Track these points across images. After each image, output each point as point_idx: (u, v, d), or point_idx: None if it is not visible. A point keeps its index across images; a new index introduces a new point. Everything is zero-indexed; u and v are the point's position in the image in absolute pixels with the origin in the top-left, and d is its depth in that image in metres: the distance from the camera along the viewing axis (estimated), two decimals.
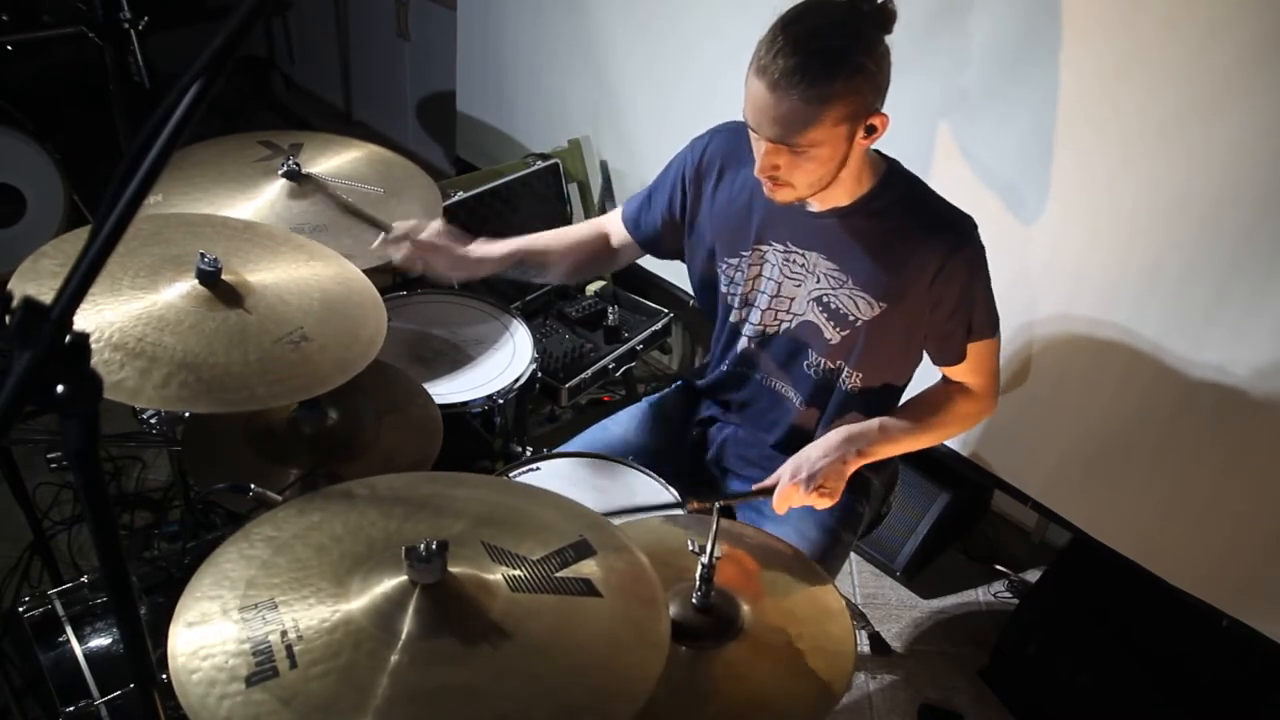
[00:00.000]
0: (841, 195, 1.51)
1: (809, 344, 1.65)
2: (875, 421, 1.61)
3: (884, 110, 1.40)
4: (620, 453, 1.78)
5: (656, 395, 1.95)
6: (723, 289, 1.70)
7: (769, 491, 1.56)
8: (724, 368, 1.78)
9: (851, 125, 1.38)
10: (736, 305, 1.70)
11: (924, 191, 1.54)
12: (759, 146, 1.43)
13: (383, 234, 1.70)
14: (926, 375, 1.70)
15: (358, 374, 1.39)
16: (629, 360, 2.61)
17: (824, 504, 1.56)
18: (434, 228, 1.67)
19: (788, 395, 1.73)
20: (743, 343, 1.72)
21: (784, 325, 1.66)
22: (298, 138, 1.95)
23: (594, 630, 1.08)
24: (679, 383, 1.95)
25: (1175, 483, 1.97)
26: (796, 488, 1.53)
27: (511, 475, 1.65)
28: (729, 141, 1.63)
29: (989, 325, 1.57)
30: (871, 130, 1.40)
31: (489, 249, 1.71)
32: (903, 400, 1.70)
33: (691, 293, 1.82)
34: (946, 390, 1.66)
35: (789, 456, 1.59)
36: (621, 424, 1.88)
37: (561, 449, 1.78)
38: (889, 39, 1.37)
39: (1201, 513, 1.95)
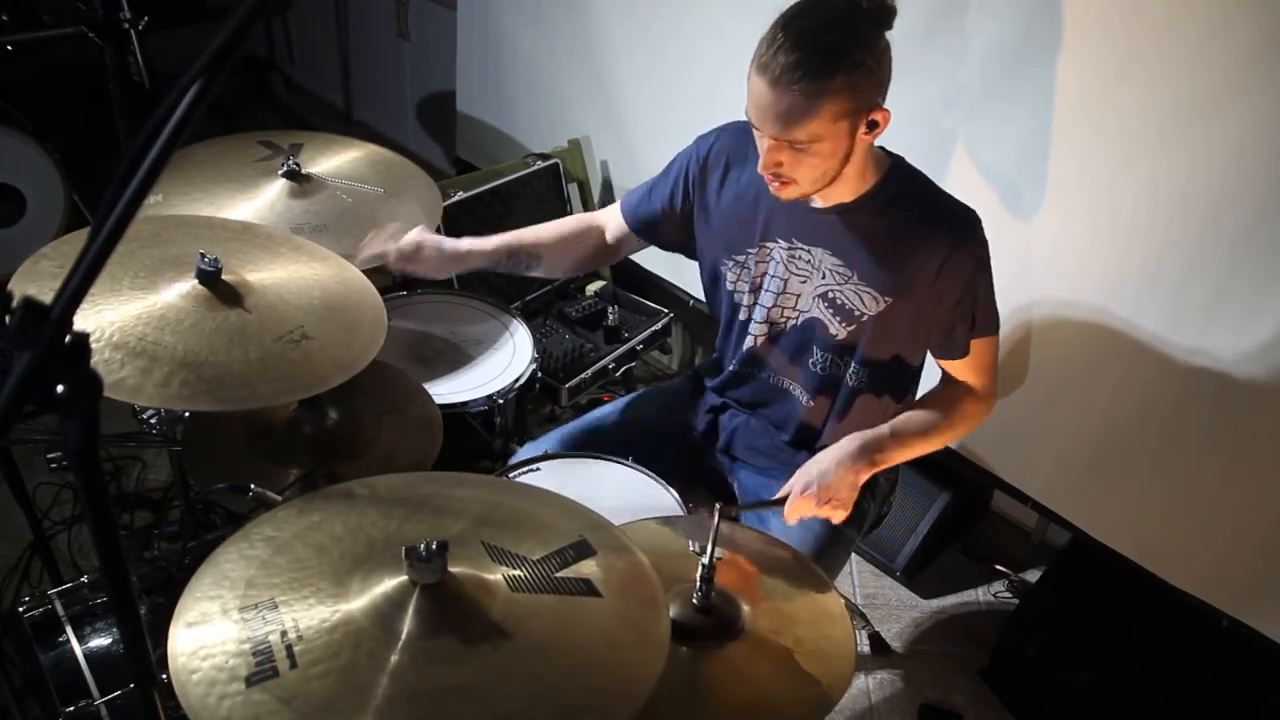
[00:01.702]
0: (845, 191, 1.52)
1: (815, 340, 1.65)
2: (886, 427, 1.60)
3: (886, 107, 1.41)
4: (629, 433, 1.79)
5: (668, 383, 1.95)
6: (729, 286, 1.71)
7: (780, 502, 1.55)
8: (732, 366, 1.79)
9: (853, 121, 1.38)
10: (744, 303, 1.70)
11: (928, 187, 1.55)
12: (762, 143, 1.44)
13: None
14: (932, 373, 1.70)
15: (358, 374, 1.39)
16: (629, 360, 2.61)
17: (838, 517, 1.55)
18: (409, 238, 1.65)
19: (795, 392, 1.73)
20: (749, 340, 1.72)
21: (790, 322, 1.66)
22: (298, 138, 1.95)
23: (594, 630, 1.08)
24: (690, 374, 1.95)
25: (1175, 483, 1.97)
26: (809, 500, 1.52)
27: (512, 475, 1.66)
28: (736, 139, 1.64)
29: (991, 322, 1.58)
30: (873, 126, 1.40)
31: (477, 242, 1.70)
32: (907, 403, 1.70)
33: (692, 293, 1.83)
34: (951, 392, 1.66)
35: (799, 450, 1.59)
36: (632, 403, 1.90)
37: (565, 433, 1.79)
38: (890, 36, 1.38)
39: (1201, 513, 1.95)
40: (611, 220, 1.82)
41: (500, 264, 1.74)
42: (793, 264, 1.62)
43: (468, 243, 1.69)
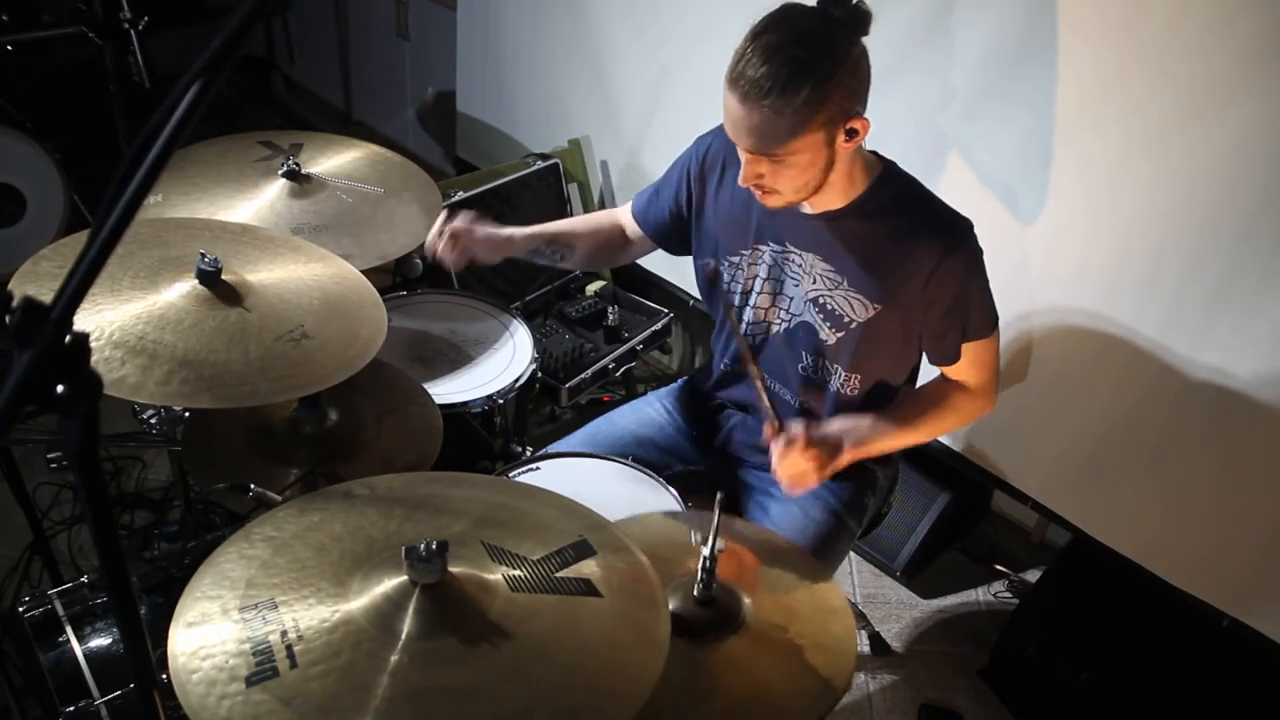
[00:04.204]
0: (835, 197, 1.51)
1: (805, 345, 1.65)
2: (868, 417, 1.61)
3: (874, 109, 1.40)
4: (626, 446, 1.78)
5: (664, 389, 1.95)
6: (723, 286, 1.71)
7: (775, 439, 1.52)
8: (723, 366, 1.78)
9: (829, 131, 1.37)
10: (736, 304, 1.70)
11: (920, 193, 1.54)
12: (742, 155, 1.44)
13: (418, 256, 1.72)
14: (926, 376, 1.70)
15: (357, 374, 1.39)
16: (629, 360, 2.61)
17: (813, 478, 1.51)
18: (459, 222, 1.70)
19: (784, 396, 1.73)
20: (742, 342, 1.72)
21: (781, 326, 1.66)
22: (298, 138, 1.95)
23: (594, 630, 1.08)
24: (685, 379, 1.95)
25: (1175, 482, 1.97)
26: (797, 440, 1.48)
27: (511, 475, 1.66)
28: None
29: (986, 325, 1.56)
30: (852, 134, 1.39)
31: (519, 230, 1.74)
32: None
33: (692, 293, 1.83)
34: (943, 387, 1.65)
35: None
36: (626, 417, 1.89)
37: (562, 446, 1.79)
38: (881, 41, 1.37)
39: (1201, 512, 1.95)
40: (628, 220, 1.84)
41: (539, 251, 1.77)
42: (785, 267, 1.61)
43: (510, 230, 1.74)
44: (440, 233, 1.70)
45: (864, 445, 1.58)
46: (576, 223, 1.84)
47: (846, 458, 1.56)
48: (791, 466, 1.51)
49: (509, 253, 1.75)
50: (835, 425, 1.58)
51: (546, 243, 1.77)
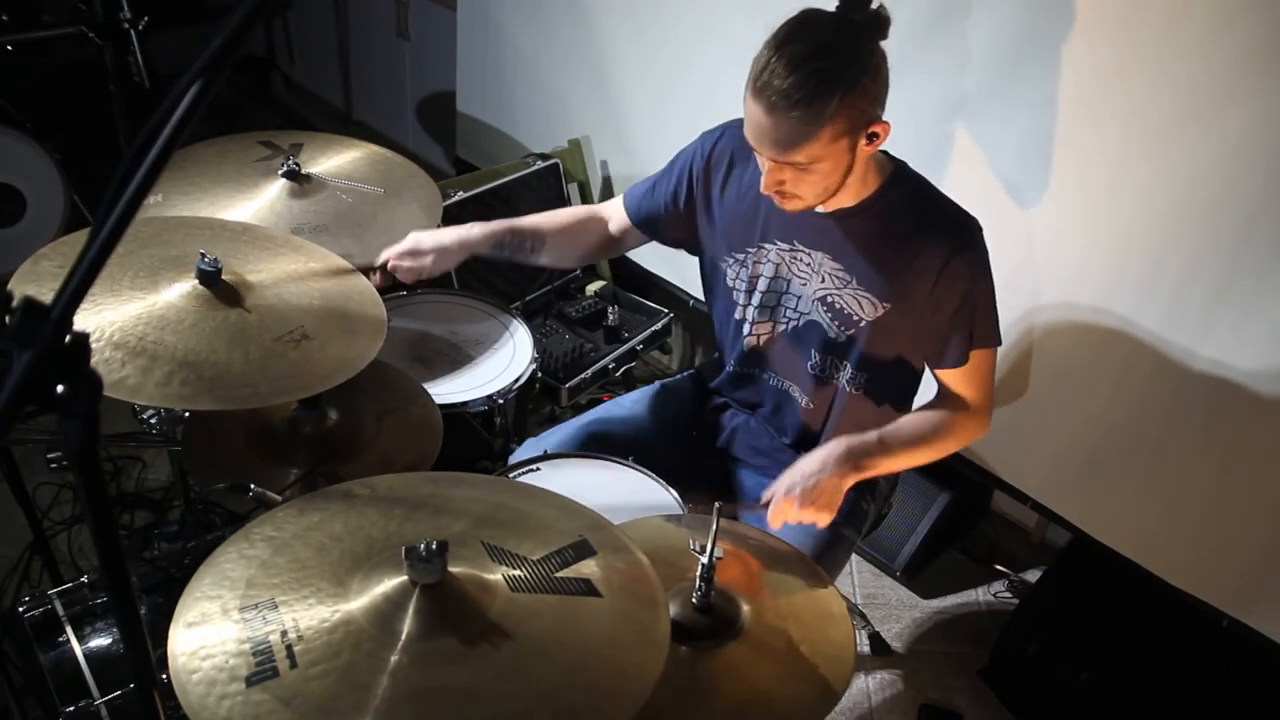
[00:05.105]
0: (847, 197, 1.51)
1: (813, 343, 1.65)
2: (875, 434, 1.56)
3: (886, 111, 1.40)
4: (629, 430, 1.79)
5: (671, 379, 1.95)
6: (728, 283, 1.71)
7: (765, 505, 1.53)
8: (731, 367, 1.78)
9: (852, 138, 1.38)
10: (741, 302, 1.70)
11: (930, 193, 1.54)
12: (763, 164, 1.44)
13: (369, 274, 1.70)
14: (929, 380, 1.70)
15: (358, 374, 1.39)
16: (629, 360, 2.61)
17: (822, 520, 1.51)
18: (405, 242, 1.68)
19: (794, 394, 1.73)
20: (748, 340, 1.72)
21: (789, 324, 1.66)
22: (298, 138, 1.95)
23: (594, 630, 1.08)
24: (691, 373, 1.95)
25: (1174, 482, 1.97)
26: (791, 504, 1.48)
27: (511, 475, 1.66)
28: (740, 137, 1.61)
29: (990, 334, 1.55)
30: (873, 138, 1.40)
31: (467, 233, 1.71)
32: (903, 412, 1.69)
33: (692, 292, 1.83)
34: (946, 405, 1.62)
35: (799, 451, 1.58)
36: (634, 401, 1.89)
37: (559, 435, 1.79)
38: (887, 42, 1.37)
39: (1201, 512, 1.95)
40: (615, 213, 1.82)
41: (505, 245, 1.75)
42: (793, 265, 1.61)
43: (459, 232, 1.71)
44: (383, 269, 1.68)
45: (870, 464, 1.54)
46: (543, 218, 1.81)
47: (851, 482, 1.53)
48: (794, 520, 1.51)
49: (465, 254, 1.72)
50: (834, 450, 1.53)
51: (508, 234, 1.74)
